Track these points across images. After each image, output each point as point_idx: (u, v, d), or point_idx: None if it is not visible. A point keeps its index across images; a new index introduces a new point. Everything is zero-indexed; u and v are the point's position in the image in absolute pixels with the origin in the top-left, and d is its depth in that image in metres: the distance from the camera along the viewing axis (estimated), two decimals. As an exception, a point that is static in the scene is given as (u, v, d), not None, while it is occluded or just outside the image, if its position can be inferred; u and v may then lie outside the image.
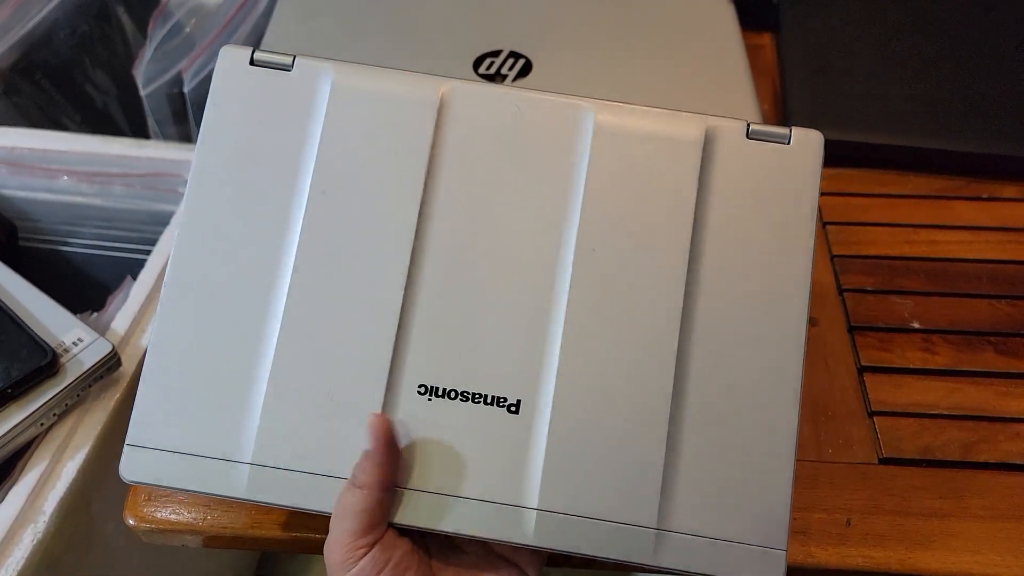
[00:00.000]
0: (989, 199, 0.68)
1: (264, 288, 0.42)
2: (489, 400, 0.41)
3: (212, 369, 0.41)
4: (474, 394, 0.41)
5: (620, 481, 0.40)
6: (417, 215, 0.42)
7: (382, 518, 0.39)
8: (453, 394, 0.41)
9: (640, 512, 0.40)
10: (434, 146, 0.43)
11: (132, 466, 0.41)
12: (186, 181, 0.73)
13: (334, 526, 0.39)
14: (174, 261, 0.42)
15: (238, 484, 0.41)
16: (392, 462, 0.39)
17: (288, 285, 0.42)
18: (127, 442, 0.41)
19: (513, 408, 0.41)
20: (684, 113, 0.43)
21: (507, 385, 0.41)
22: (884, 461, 0.52)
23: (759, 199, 0.42)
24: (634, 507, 0.40)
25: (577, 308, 0.41)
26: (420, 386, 0.41)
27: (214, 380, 0.41)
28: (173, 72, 0.77)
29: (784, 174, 0.42)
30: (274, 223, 0.42)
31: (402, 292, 0.41)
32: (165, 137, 0.81)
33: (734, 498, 0.40)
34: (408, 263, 0.42)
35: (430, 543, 0.42)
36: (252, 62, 0.44)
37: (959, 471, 0.52)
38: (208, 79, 0.78)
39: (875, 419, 0.54)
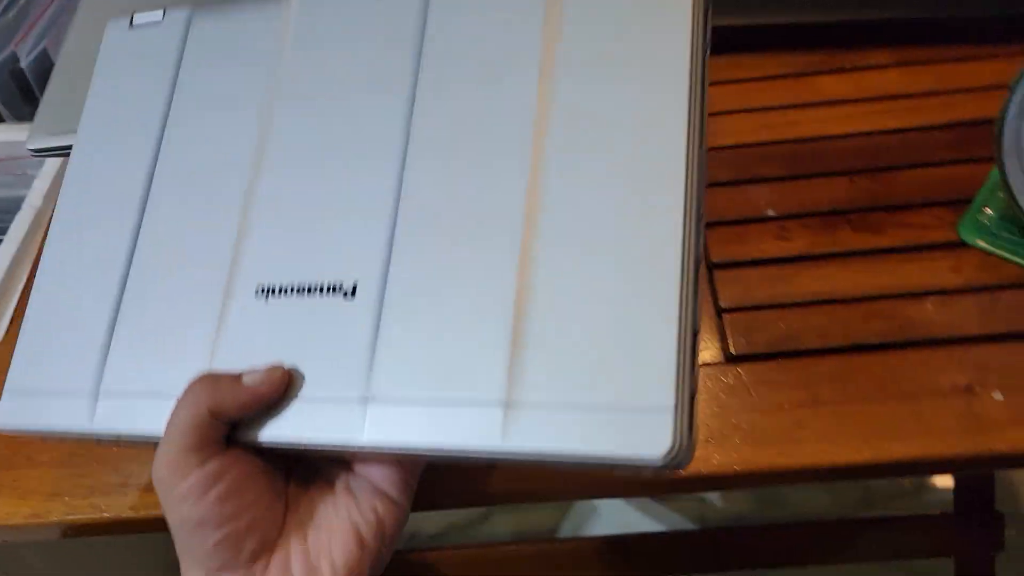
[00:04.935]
0: (853, 69, 0.65)
1: (125, 222, 0.43)
2: (324, 289, 0.38)
3: (75, 309, 0.43)
4: (309, 286, 0.38)
5: (461, 357, 0.34)
6: (256, 123, 0.42)
7: (218, 436, 0.36)
8: (289, 290, 0.39)
9: (484, 387, 0.33)
10: (283, 51, 0.43)
11: (5, 413, 0.43)
12: (37, 164, 0.71)
13: (164, 441, 0.36)
14: (57, 214, 0.45)
15: (90, 417, 0.40)
16: (249, 405, 0.36)
17: (144, 215, 0.43)
18: (5, 389, 0.43)
19: (349, 294, 0.37)
20: None
21: (343, 269, 0.38)
22: (732, 359, 0.50)
23: (624, 18, 0.37)
24: (476, 382, 0.34)
25: (416, 169, 0.38)
26: (258, 288, 0.39)
27: (76, 319, 0.43)
28: (8, 51, 0.74)
29: None
30: (138, 159, 0.44)
31: (241, 199, 0.41)
32: (17, 118, 0.78)
33: (603, 355, 0.32)
34: (248, 175, 0.42)
35: (295, 467, 0.40)
36: (131, 25, 0.47)
37: (813, 358, 0.50)
38: (44, 52, 0.75)
39: (724, 316, 0.52)
